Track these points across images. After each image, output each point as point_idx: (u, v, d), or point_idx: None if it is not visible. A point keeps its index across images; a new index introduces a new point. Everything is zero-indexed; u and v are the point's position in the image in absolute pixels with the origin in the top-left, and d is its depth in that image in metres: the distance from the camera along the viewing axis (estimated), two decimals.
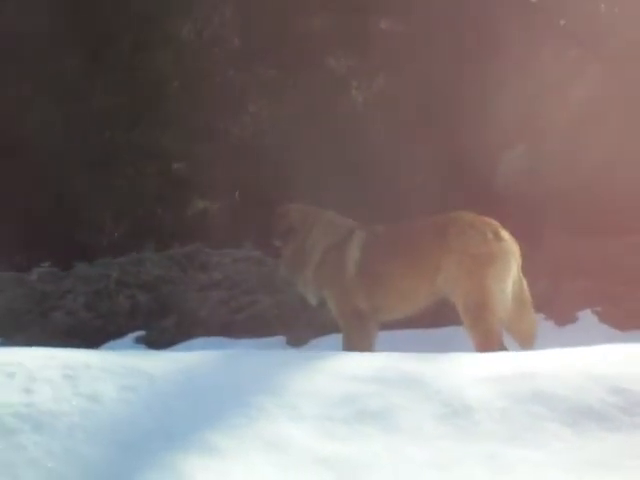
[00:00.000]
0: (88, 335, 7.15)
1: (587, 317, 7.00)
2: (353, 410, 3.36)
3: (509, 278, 5.30)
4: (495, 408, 3.26)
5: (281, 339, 7.12)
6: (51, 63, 12.83)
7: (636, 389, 3.42)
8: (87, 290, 8.03)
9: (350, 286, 5.48)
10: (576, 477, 2.91)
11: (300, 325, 7.07)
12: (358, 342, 5.49)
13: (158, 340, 7.00)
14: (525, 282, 5.44)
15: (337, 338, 6.74)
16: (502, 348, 5.21)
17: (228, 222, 13.87)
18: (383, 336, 5.79)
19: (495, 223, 5.40)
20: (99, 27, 13.41)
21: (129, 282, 8.04)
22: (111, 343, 7.37)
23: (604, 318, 6.89)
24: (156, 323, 7.50)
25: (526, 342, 5.45)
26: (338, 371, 3.60)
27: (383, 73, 13.69)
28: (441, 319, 6.41)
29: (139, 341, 7.32)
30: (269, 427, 3.26)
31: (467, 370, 3.55)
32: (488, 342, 5.19)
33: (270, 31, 13.71)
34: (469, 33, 11.48)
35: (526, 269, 7.09)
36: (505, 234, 5.34)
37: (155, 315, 7.61)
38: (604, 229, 7.38)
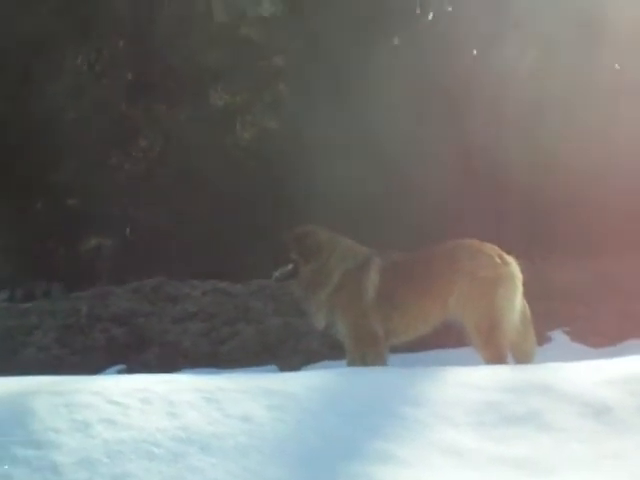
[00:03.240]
0: (65, 372, 6.84)
1: (559, 337, 7.49)
2: (500, 416, 3.56)
3: (517, 299, 5.57)
4: (631, 406, 3.55)
5: (271, 368, 7.15)
6: None
7: None
8: (56, 325, 7.71)
9: (368, 309, 5.60)
10: None
11: (287, 353, 7.12)
12: (372, 364, 5.66)
13: (141, 373, 6.77)
14: (526, 304, 5.79)
15: (328, 365, 6.90)
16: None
17: (122, 258, 13.67)
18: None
19: (498, 249, 5.70)
20: None
21: (100, 316, 7.80)
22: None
23: (575, 337, 7.40)
24: (136, 356, 7.31)
25: (526, 361, 5.81)
26: (469, 383, 3.79)
27: (270, 109, 13.99)
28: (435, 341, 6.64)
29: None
30: (434, 435, 3.40)
31: (587, 376, 3.84)
32: (498, 360, 5.51)
33: (163, 65, 13.74)
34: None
35: None
36: (509, 258, 5.64)
37: (133, 349, 7.41)
38: (563, 253, 7.91)
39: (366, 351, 5.63)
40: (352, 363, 5.65)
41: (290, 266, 5.65)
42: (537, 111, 8.76)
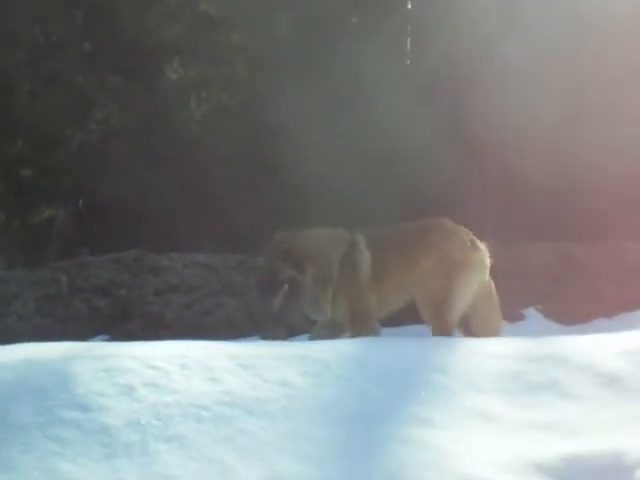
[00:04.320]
0: (50, 341, 6.79)
1: (532, 314, 7.78)
2: (523, 384, 3.77)
3: (475, 285, 5.78)
4: None
5: (255, 339, 7.24)
6: None
7: None
8: (36, 295, 7.65)
9: (365, 288, 5.74)
10: None
11: (270, 325, 7.23)
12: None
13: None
14: (493, 285, 5.93)
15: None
16: None
17: (75, 229, 13.60)
18: None
19: (470, 233, 5.91)
20: None
21: (81, 286, 7.76)
22: None
23: (547, 315, 7.71)
24: (119, 327, 7.32)
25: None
26: (492, 353, 3.99)
27: (225, 85, 14.00)
28: None
29: None
30: (463, 401, 3.59)
31: (600, 347, 4.08)
32: (444, 334, 5.59)
33: (120, 38, 13.60)
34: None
35: None
36: (480, 244, 5.86)
37: (116, 319, 7.42)
38: (536, 236, 8.19)
39: (362, 327, 5.75)
40: (315, 337, 5.70)
41: (286, 286, 5.60)
42: (522, 95, 9.00)
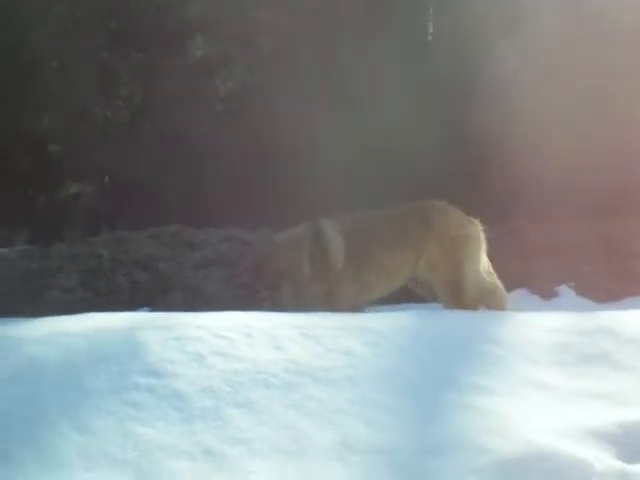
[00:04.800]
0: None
1: (565, 291, 7.89)
2: (575, 355, 3.90)
3: (482, 256, 5.94)
4: None
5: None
6: None
7: None
8: (78, 268, 7.82)
9: (339, 275, 5.73)
10: None
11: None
12: None
13: None
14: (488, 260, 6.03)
15: None
16: None
17: (100, 206, 13.77)
18: None
19: (461, 211, 6.00)
20: None
21: (122, 260, 7.93)
22: None
23: (580, 292, 7.82)
24: (160, 300, 7.48)
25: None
26: (543, 326, 4.12)
27: (249, 63, 14.05)
28: None
29: None
30: (518, 370, 3.72)
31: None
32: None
33: (145, 15, 13.67)
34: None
35: (500, 249, 7.84)
36: (474, 220, 5.95)
37: (156, 292, 7.58)
38: (561, 213, 8.28)
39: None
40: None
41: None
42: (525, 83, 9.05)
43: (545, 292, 7.62)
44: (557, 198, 8.36)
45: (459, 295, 5.70)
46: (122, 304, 7.33)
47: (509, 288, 7.89)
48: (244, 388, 3.47)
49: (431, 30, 12.56)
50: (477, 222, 5.91)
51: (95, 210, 13.58)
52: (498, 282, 6.04)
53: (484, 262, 5.94)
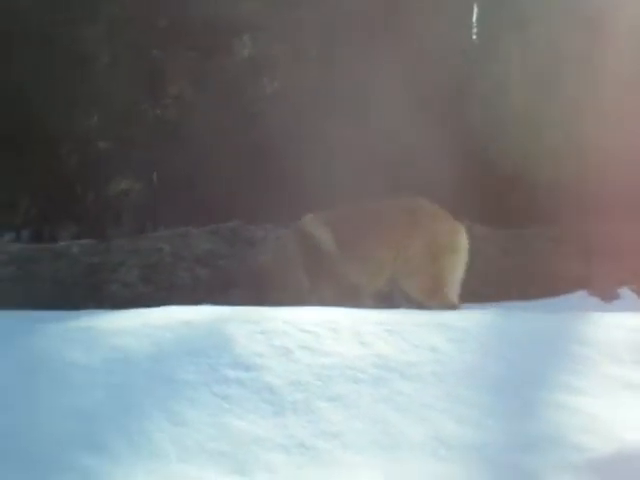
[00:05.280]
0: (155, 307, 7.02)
1: (627, 294, 7.81)
2: None
3: (463, 266, 5.74)
4: None
5: None
6: None
7: None
8: (140, 263, 7.91)
9: (338, 258, 5.65)
10: None
11: None
12: None
13: None
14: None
15: None
16: None
17: (149, 202, 13.85)
18: None
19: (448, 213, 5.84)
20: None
21: (183, 256, 8.01)
22: None
23: None
24: (220, 296, 7.52)
25: None
26: (626, 325, 4.11)
27: (296, 62, 14.04)
28: None
29: None
30: (605, 370, 3.70)
31: None
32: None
33: (193, 13, 13.74)
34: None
35: (560, 250, 7.76)
36: (460, 225, 5.81)
37: (217, 288, 7.63)
38: (620, 214, 8.19)
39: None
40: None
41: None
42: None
43: (606, 294, 7.56)
44: (619, 199, 8.27)
45: (436, 299, 5.54)
46: (184, 299, 7.38)
47: (569, 289, 7.89)
48: (333, 382, 3.49)
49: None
50: (463, 229, 5.77)
51: (144, 207, 13.69)
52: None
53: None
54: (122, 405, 3.39)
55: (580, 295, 7.57)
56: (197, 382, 3.50)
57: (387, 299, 5.82)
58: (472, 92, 9.96)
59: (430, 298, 5.56)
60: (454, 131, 9.63)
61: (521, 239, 8.27)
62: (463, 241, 5.71)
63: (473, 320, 4.03)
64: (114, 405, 3.39)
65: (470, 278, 5.90)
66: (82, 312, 4.60)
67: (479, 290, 7.00)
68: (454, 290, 5.67)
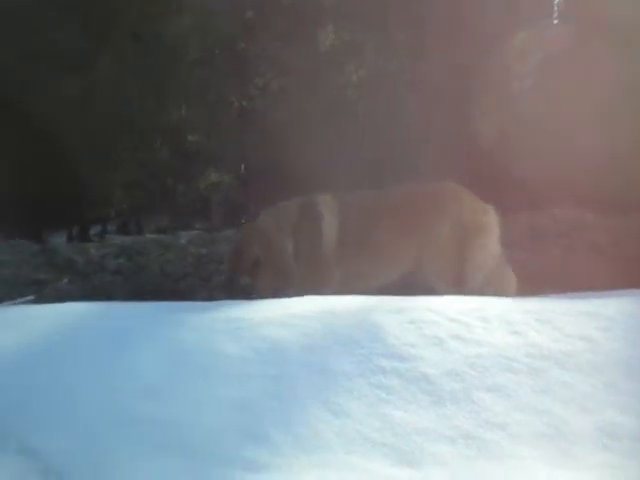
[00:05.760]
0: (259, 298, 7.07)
1: None
2: None
3: (494, 247, 5.48)
4: None
5: None
6: (51, 33, 12.44)
7: None
8: None
9: (331, 257, 5.42)
10: None
11: None
12: None
13: None
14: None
15: None
16: None
17: (238, 194, 13.91)
18: None
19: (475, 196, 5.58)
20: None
21: None
22: None
23: None
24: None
25: None
26: None
27: (381, 50, 13.93)
28: None
29: None
30: None
31: None
32: None
33: (280, 4, 13.75)
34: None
35: None
36: (489, 207, 5.53)
37: None
38: None
39: None
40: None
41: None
42: None
43: None
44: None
45: (458, 285, 5.27)
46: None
47: None
48: (490, 372, 3.48)
49: None
50: (492, 209, 5.51)
51: (234, 198, 13.79)
52: (508, 270, 5.62)
53: (495, 251, 5.52)
54: (280, 396, 3.42)
55: None
56: (353, 373, 3.52)
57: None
58: None
59: (454, 283, 5.34)
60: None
61: None
62: (489, 222, 5.45)
63: (616, 307, 3.95)
64: (271, 396, 3.42)
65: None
66: (220, 303, 4.62)
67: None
68: (478, 274, 5.42)
